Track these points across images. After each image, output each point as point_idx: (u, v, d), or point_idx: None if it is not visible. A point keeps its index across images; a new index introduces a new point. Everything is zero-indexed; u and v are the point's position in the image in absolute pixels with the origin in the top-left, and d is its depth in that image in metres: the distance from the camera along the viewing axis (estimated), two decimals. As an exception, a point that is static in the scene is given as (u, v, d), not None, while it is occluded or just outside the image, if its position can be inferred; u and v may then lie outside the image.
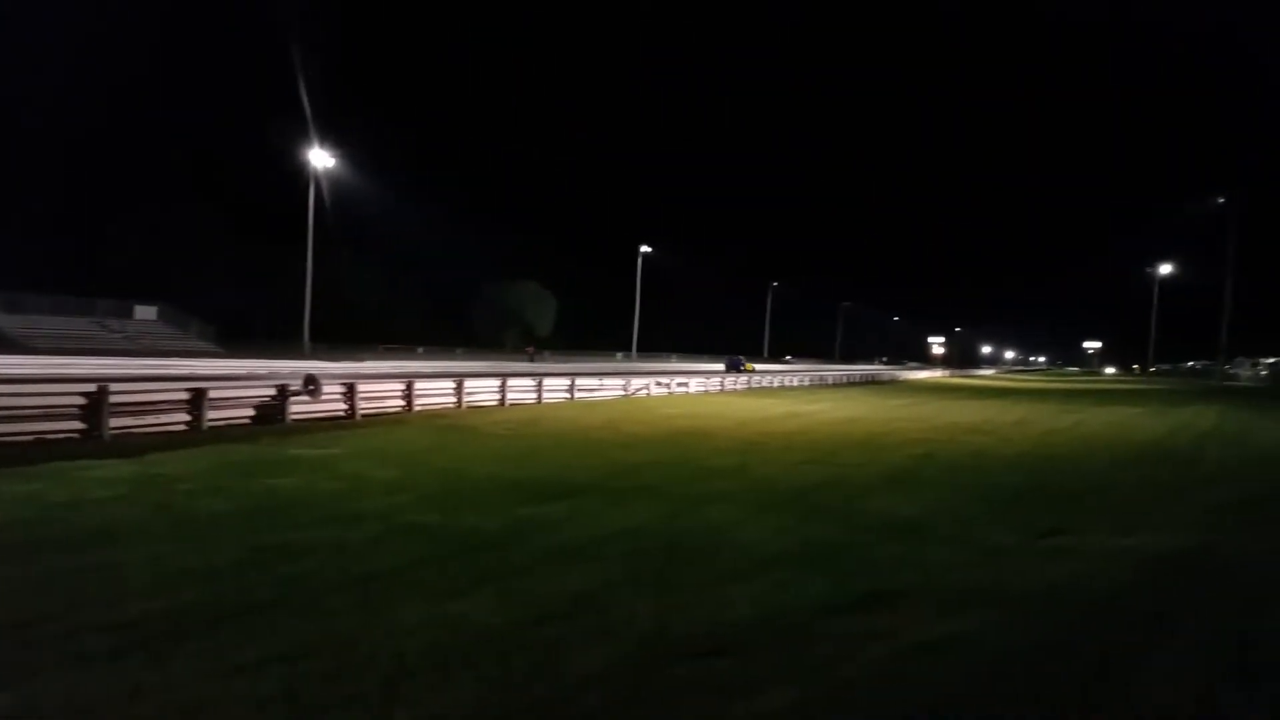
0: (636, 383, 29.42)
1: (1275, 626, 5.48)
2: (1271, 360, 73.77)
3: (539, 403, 23.44)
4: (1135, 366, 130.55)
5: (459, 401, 20.72)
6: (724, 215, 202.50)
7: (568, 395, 25.24)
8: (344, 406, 17.36)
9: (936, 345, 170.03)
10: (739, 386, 37.60)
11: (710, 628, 5.01)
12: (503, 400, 22.30)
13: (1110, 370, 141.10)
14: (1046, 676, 4.50)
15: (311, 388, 16.39)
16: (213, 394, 14.60)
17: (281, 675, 4.13)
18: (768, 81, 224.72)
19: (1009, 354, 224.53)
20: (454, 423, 17.24)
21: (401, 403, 19.14)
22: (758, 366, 55.20)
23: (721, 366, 51.48)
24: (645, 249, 74.91)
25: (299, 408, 16.24)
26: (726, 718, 3.88)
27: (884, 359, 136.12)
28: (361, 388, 17.89)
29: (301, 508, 8.24)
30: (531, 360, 56.79)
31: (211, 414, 14.40)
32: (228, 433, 13.95)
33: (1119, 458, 14.84)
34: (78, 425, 12.67)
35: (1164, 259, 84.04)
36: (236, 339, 50.69)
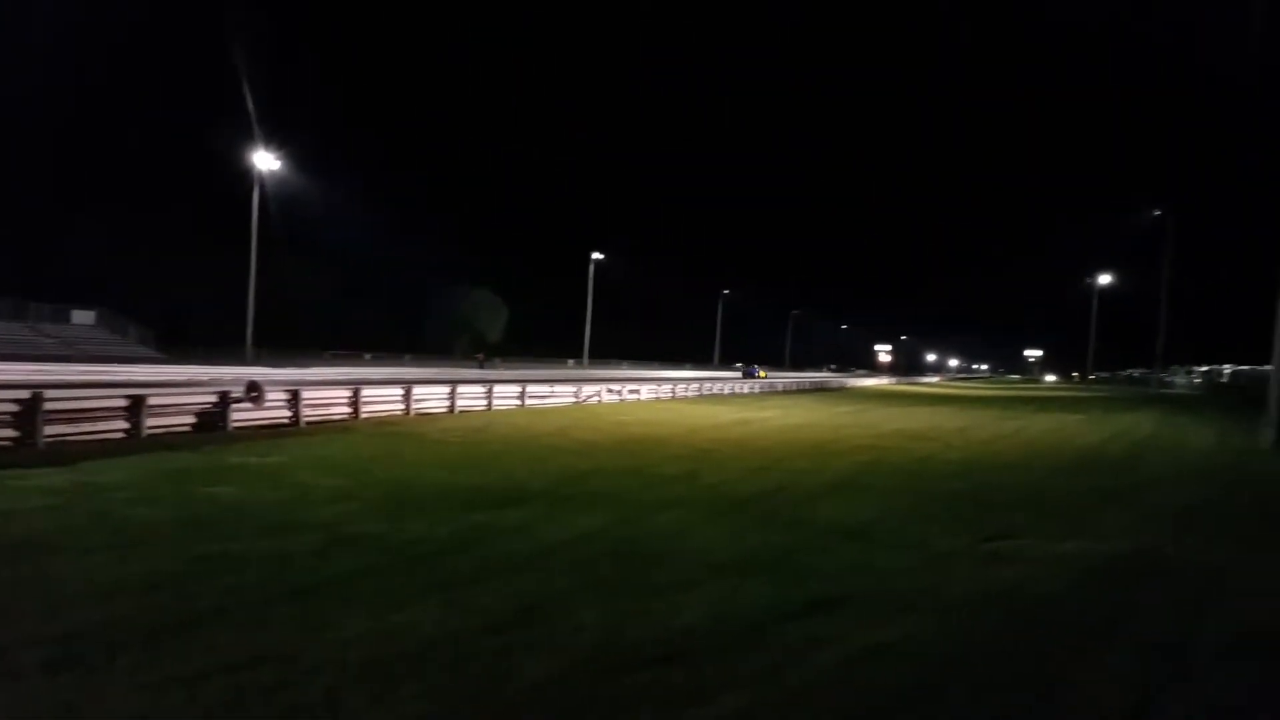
0: (588, 389, 29.35)
1: (1211, 628, 5.66)
2: (1205, 369, 76.16)
3: (489, 409, 23.26)
4: (1075, 374, 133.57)
5: (407, 408, 20.45)
6: (675, 223, 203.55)
7: (519, 402, 25.09)
8: (288, 414, 17.02)
9: (883, 353, 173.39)
10: (690, 393, 37.78)
11: (662, 634, 5.01)
12: (452, 407, 22.08)
13: (1051, 378, 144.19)
14: (992, 679, 4.59)
15: (254, 394, 16.06)
16: (152, 401, 14.20)
17: (222, 688, 4.03)
18: (710, 90, 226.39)
19: (953, 362, 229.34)
20: (402, 430, 17.02)
21: (348, 410, 18.81)
22: (709, 374, 59.75)
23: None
24: (597, 256, 74.91)
25: (241, 415, 15.87)
26: (677, 724, 3.88)
27: (832, 367, 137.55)
28: (306, 394, 17.55)
29: (243, 517, 8.04)
30: (482, 367, 56.60)
31: (151, 421, 14.00)
32: (167, 441, 13.59)
33: (1060, 464, 15.18)
34: (10, 433, 12.22)
35: (1103, 268, 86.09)
36: (178, 344, 49.44)
